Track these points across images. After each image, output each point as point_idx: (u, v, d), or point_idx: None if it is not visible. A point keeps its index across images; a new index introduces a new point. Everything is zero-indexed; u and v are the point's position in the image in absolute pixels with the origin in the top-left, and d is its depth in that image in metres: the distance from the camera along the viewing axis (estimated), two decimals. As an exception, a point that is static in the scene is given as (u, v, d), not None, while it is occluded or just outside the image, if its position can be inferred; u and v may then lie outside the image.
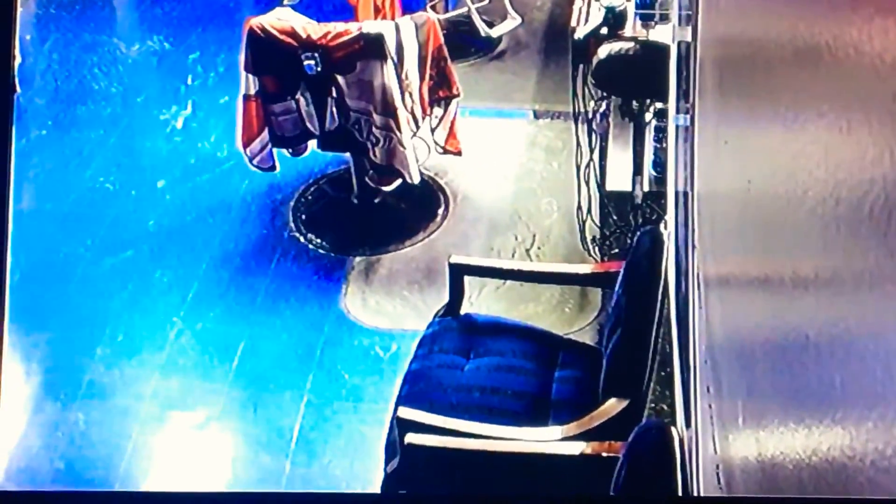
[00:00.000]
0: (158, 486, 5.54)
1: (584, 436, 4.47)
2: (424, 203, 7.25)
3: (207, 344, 6.23)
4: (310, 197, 7.41)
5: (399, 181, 6.87)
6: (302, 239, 7.02)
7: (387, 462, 4.67)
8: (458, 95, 6.96)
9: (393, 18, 7.76)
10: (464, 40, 8.93)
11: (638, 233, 5.09)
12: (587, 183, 6.54)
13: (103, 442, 5.66)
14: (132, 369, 6.07)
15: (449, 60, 6.92)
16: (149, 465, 5.64)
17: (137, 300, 6.52)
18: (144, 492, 4.99)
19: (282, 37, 6.50)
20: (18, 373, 5.95)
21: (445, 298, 5.36)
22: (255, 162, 6.83)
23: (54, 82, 8.91)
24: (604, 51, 5.98)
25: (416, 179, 6.72)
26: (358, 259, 6.85)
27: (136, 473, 5.55)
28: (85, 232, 7.08)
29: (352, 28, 6.56)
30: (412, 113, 6.67)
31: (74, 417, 5.76)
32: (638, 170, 6.47)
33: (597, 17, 6.27)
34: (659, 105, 6.29)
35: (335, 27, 6.54)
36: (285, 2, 8.58)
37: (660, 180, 6.48)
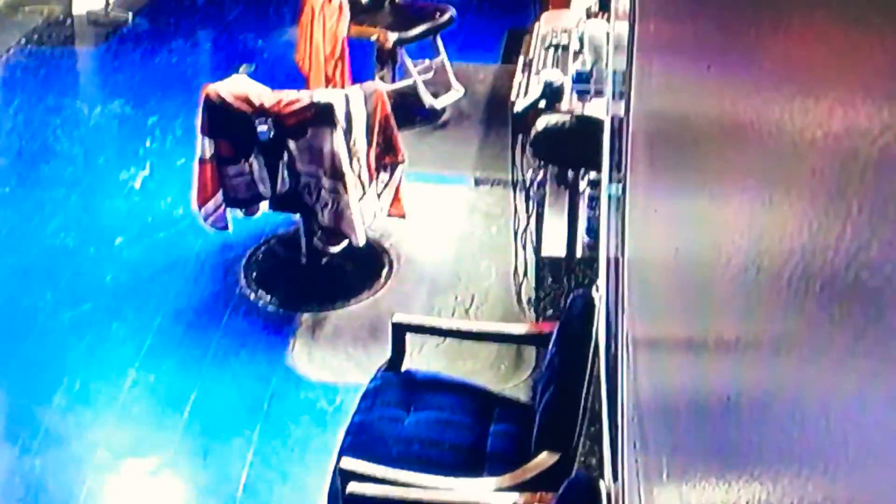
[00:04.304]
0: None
1: (517, 487, 4.46)
2: (369, 264, 7.25)
3: (160, 394, 6.19)
4: (260, 256, 7.40)
5: (346, 243, 6.88)
6: (252, 295, 7.00)
7: (329, 510, 4.65)
8: (403, 162, 6.97)
9: (343, 88, 7.78)
10: (410, 110, 8.96)
11: (571, 295, 5.10)
12: (524, 247, 6.56)
13: (59, 487, 5.61)
14: (88, 417, 6.03)
15: (395, 129, 6.93)
16: (101, 509, 5.60)
17: (94, 351, 6.49)
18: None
19: (236, 103, 6.50)
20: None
21: (388, 354, 5.35)
22: (209, 221, 6.81)
23: (19, 142, 8.88)
24: (541, 122, 6.01)
25: (362, 241, 6.72)
26: (305, 316, 6.84)
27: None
28: (45, 285, 7.05)
29: (303, 96, 6.57)
30: (359, 178, 6.67)
31: (31, 463, 5.71)
32: (572, 236, 6.49)
33: (535, 90, 6.31)
34: (593, 175, 6.31)
35: (287, 95, 6.55)
36: (241, 70, 8.59)
37: (592, 246, 6.50)
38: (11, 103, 9.50)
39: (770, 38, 1.32)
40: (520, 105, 6.32)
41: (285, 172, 6.65)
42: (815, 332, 1.08)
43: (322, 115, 6.45)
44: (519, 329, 5.84)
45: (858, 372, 0.94)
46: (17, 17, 11.27)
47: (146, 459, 5.82)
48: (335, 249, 7.06)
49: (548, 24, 7.38)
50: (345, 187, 6.53)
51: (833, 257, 0.98)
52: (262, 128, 6.50)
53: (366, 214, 6.78)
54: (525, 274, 6.62)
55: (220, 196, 6.74)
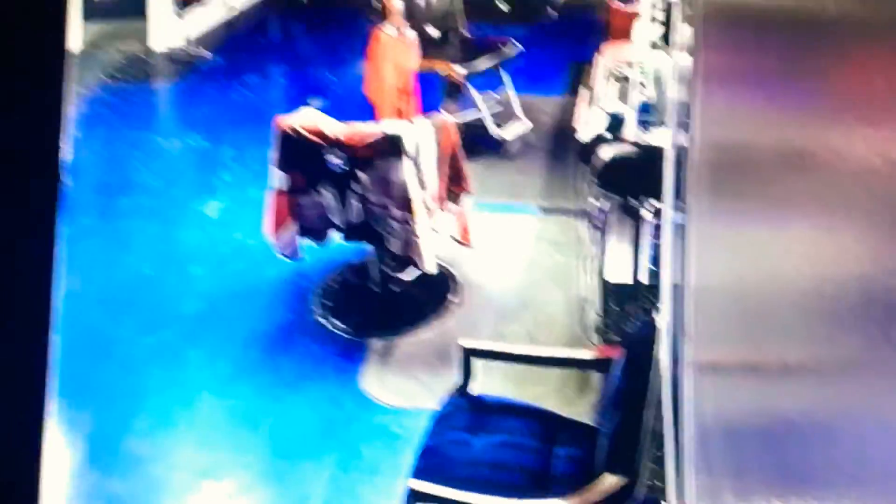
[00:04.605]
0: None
1: (581, 509, 4.44)
2: (438, 291, 7.25)
3: (237, 418, 6.21)
4: (333, 284, 7.41)
5: (415, 271, 6.88)
6: (325, 323, 7.02)
7: (400, 531, 4.65)
8: (470, 192, 6.98)
9: (412, 120, 7.80)
10: (477, 141, 8.97)
11: (636, 321, 5.09)
12: (589, 274, 6.54)
13: (138, 509, 5.64)
14: (167, 441, 6.06)
15: (463, 159, 6.94)
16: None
17: (173, 377, 6.52)
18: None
19: (309, 136, 6.53)
20: (62, 443, 5.93)
21: (457, 379, 5.34)
22: (282, 251, 6.84)
23: (100, 175, 8.95)
24: (606, 153, 6.00)
25: (432, 269, 6.73)
26: (376, 341, 6.85)
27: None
28: (125, 313, 7.09)
29: (374, 129, 6.60)
30: (428, 208, 6.68)
31: (113, 486, 5.74)
32: (636, 263, 6.47)
33: (600, 121, 6.30)
34: (656, 203, 6.29)
35: (359, 127, 6.58)
36: (313, 103, 8.63)
37: (656, 273, 6.47)
38: (93, 138, 9.58)
39: (831, 70, 1.32)
40: (584, 136, 6.31)
41: (357, 203, 6.66)
42: (877, 356, 1.07)
43: (392, 147, 6.47)
44: (584, 354, 5.82)
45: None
46: (98, 54, 11.38)
47: (224, 482, 5.84)
48: (405, 277, 7.06)
49: (610, 57, 7.38)
50: (414, 217, 6.54)
51: (894, 282, 0.98)
52: (333, 159, 6.52)
53: (434, 243, 6.79)
54: (590, 301, 6.60)
55: (293, 226, 6.77)
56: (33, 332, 1.41)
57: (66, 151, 1.49)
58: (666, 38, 6.83)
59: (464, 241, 7.05)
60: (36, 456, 1.38)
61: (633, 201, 6.36)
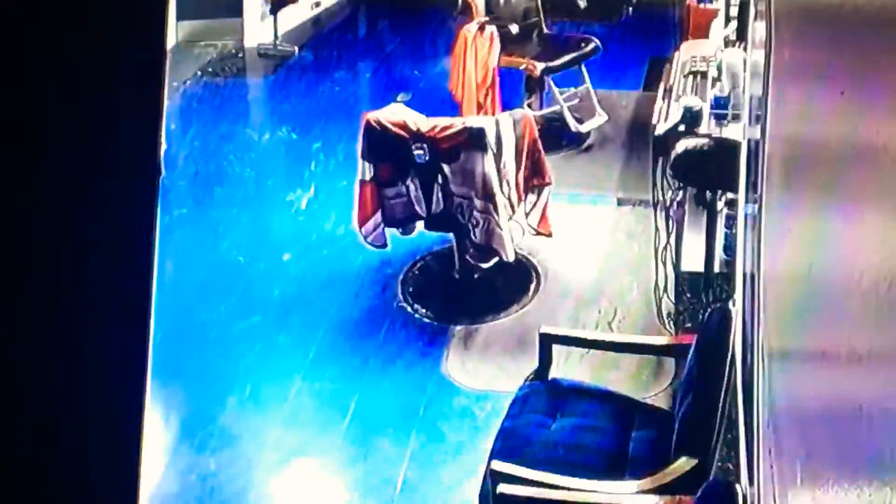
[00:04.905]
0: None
1: (657, 490, 4.43)
2: (518, 279, 7.25)
3: (324, 400, 6.24)
4: (417, 272, 7.43)
5: (496, 259, 6.88)
6: (409, 309, 7.04)
7: (482, 509, 4.65)
8: (550, 183, 6.97)
9: (493, 114, 7.81)
10: (556, 134, 8.96)
11: (709, 309, 5.06)
12: (664, 264, 6.52)
13: (231, 484, 5.68)
14: (258, 420, 6.10)
15: (542, 152, 6.94)
16: (269, 506, 5.66)
17: (263, 360, 6.56)
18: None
19: (395, 129, 6.55)
20: (159, 422, 5.99)
21: (536, 364, 5.34)
22: (368, 240, 6.87)
23: (195, 166, 9.02)
24: (681, 146, 5.97)
25: (512, 258, 6.73)
26: (458, 328, 6.86)
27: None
28: (219, 299, 7.15)
29: (457, 122, 6.61)
30: (509, 198, 6.68)
31: (207, 461, 5.79)
32: (710, 253, 6.44)
33: (676, 115, 6.27)
34: (730, 195, 6.27)
35: (442, 121, 6.59)
36: (399, 98, 8.65)
37: (729, 263, 6.44)
38: (188, 130, 9.65)
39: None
40: (660, 129, 6.28)
41: (440, 194, 6.68)
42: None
43: (474, 140, 6.47)
44: (659, 341, 5.80)
45: None
46: (193, 51, 11.47)
47: (311, 460, 5.87)
48: (486, 265, 7.06)
49: (687, 53, 7.34)
50: (495, 207, 6.55)
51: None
52: (418, 152, 6.54)
53: (515, 233, 6.79)
54: (665, 289, 6.57)
55: (379, 216, 6.79)
56: (133, 316, 1.43)
57: (162, 143, 1.50)
58: (741, 34, 6.79)
59: (543, 232, 7.04)
60: (136, 434, 1.40)
61: (707, 193, 6.33)
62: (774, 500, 2.84)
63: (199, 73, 11.02)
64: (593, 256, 7.64)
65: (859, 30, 1.66)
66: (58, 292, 1.48)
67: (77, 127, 1.44)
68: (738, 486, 4.03)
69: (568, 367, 6.06)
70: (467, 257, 7.09)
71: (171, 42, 10.46)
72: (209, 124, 9.82)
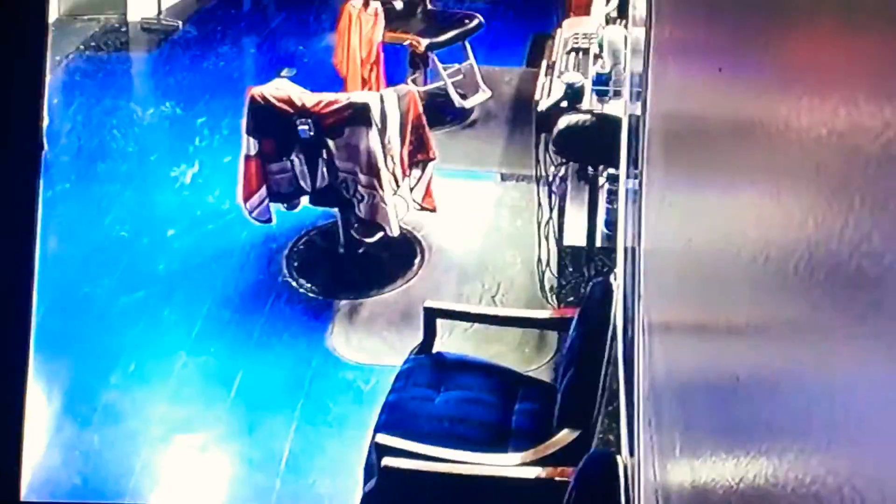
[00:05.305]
0: (164, 501, 5.52)
1: (539, 462, 4.46)
2: (403, 254, 7.26)
3: (209, 375, 6.21)
4: (301, 246, 7.41)
5: (381, 234, 6.88)
6: (294, 283, 7.02)
7: (365, 482, 4.65)
8: (434, 159, 6.98)
9: (378, 90, 7.79)
10: (440, 110, 8.96)
11: (591, 283, 5.10)
12: (547, 238, 6.55)
13: (116, 460, 5.63)
14: (142, 396, 6.05)
15: (427, 128, 6.94)
16: (155, 482, 5.61)
17: (148, 335, 6.51)
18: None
19: (279, 104, 6.51)
20: (42, 397, 5.92)
21: (420, 338, 5.35)
22: (253, 215, 6.83)
23: (78, 141, 8.91)
24: (563, 122, 6.00)
25: (396, 233, 6.73)
26: (343, 302, 6.85)
27: (143, 489, 5.52)
28: (102, 274, 7.07)
29: (341, 98, 6.58)
30: (393, 174, 6.68)
31: (90, 437, 5.73)
32: (592, 227, 6.48)
33: (558, 91, 6.30)
34: (611, 171, 6.30)
35: (327, 97, 6.56)
36: (283, 74, 8.60)
37: (611, 237, 6.49)
38: (71, 105, 9.53)
39: (778, 42, 1.32)
40: (543, 105, 6.31)
41: (324, 169, 6.66)
42: (820, 317, 1.07)
43: (359, 116, 6.46)
44: (542, 314, 5.85)
45: (860, 354, 0.94)
46: (75, 24, 11.30)
47: (196, 435, 5.84)
48: (371, 240, 7.06)
49: (569, 30, 7.37)
50: (380, 183, 6.54)
51: (837, 247, 0.98)
52: (302, 127, 6.51)
53: (399, 208, 6.79)
54: (548, 263, 6.61)
55: (263, 191, 6.76)
56: (14, 290, 1.41)
57: (44, 118, 1.48)
58: (622, 11, 6.83)
59: (427, 207, 7.05)
60: (18, 409, 1.38)
61: (588, 168, 6.37)
62: (654, 471, 2.87)
63: (81, 47, 10.87)
64: (477, 231, 7.66)
65: (735, 6, 1.67)
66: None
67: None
68: (618, 457, 4.07)
69: (452, 340, 6.08)
70: (352, 232, 7.08)
71: (52, 16, 10.29)
72: (92, 99, 9.70)
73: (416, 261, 7.23)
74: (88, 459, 5.62)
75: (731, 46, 1.70)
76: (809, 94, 1.12)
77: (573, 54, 6.94)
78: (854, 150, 0.93)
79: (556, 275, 6.73)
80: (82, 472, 5.56)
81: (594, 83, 6.36)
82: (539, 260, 6.60)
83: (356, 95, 6.74)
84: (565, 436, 4.50)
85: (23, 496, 1.40)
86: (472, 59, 9.27)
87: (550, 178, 6.43)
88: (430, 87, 9.23)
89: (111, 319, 6.64)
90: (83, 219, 7.70)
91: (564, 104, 6.19)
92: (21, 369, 1.40)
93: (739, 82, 1.61)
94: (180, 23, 11.38)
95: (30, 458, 5.57)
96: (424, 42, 9.02)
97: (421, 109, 6.87)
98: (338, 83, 8.48)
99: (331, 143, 6.56)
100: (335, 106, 6.47)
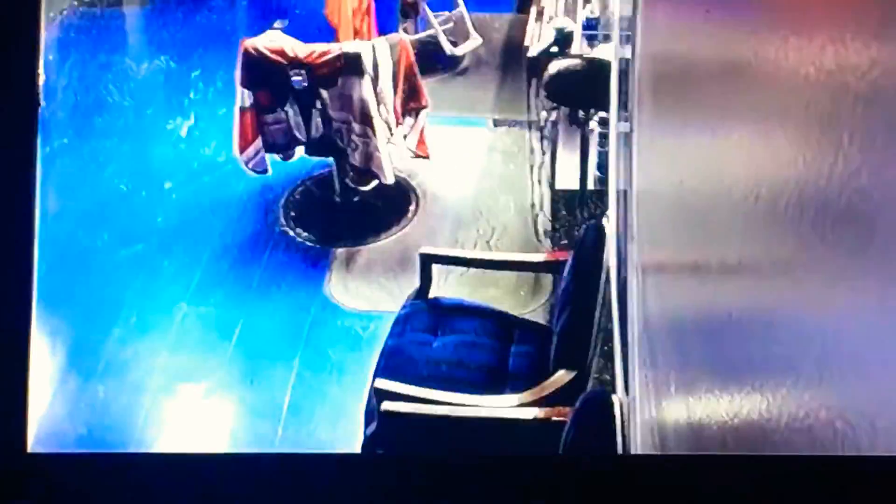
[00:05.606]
0: (168, 448, 5.53)
1: (536, 403, 4.48)
2: (398, 201, 7.25)
3: (209, 325, 6.22)
4: (298, 196, 7.39)
5: (375, 182, 6.87)
6: (291, 233, 7.01)
7: (366, 426, 4.67)
8: (426, 107, 6.96)
9: (370, 39, 7.76)
10: (432, 58, 8.92)
11: (584, 226, 5.10)
12: (539, 183, 6.55)
13: (120, 410, 5.65)
14: (144, 347, 6.06)
15: (419, 76, 6.92)
16: (159, 431, 5.63)
17: (148, 287, 6.51)
18: (155, 453, 4.98)
19: (272, 56, 6.49)
20: (45, 351, 5.93)
21: (416, 284, 5.36)
22: (249, 166, 6.82)
23: (74, 97, 8.87)
24: (554, 67, 5.98)
25: (391, 180, 6.72)
26: (340, 250, 6.85)
27: (148, 438, 5.54)
28: (102, 227, 7.06)
29: (334, 48, 6.56)
30: (387, 122, 6.66)
31: (94, 389, 5.74)
32: (584, 171, 6.48)
33: (548, 37, 6.28)
34: (602, 114, 6.29)
35: (319, 47, 6.54)
36: (276, 25, 8.56)
37: (603, 180, 6.48)
38: (66, 61, 9.48)
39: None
40: (534, 51, 6.29)
41: (318, 119, 6.64)
42: (811, 255, 1.07)
43: (351, 65, 6.44)
44: (536, 258, 5.85)
45: (851, 290, 0.94)
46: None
47: (198, 384, 5.85)
48: (366, 188, 7.05)
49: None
50: (373, 131, 6.53)
51: (827, 185, 0.98)
52: (296, 78, 6.49)
53: (393, 156, 6.78)
54: (541, 207, 6.61)
55: (259, 142, 6.74)
56: (14, 245, 1.40)
57: (40, 74, 1.47)
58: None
59: (421, 154, 7.04)
60: (22, 361, 1.38)
61: (580, 112, 6.35)
62: (649, 409, 2.88)
63: (75, 2, 10.81)
64: (470, 177, 7.65)
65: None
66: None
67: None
68: (614, 396, 4.08)
69: (448, 285, 6.09)
70: (347, 181, 7.07)
71: (45, -28, 10.22)
72: (87, 54, 9.65)
73: (411, 208, 7.22)
74: (94, 411, 5.63)
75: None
76: (796, 34, 1.11)
77: (562, -1, 6.92)
78: (842, 89, 0.92)
79: (550, 219, 6.73)
80: (88, 423, 5.57)
81: (584, 28, 6.34)
82: (532, 204, 6.60)
83: (348, 45, 6.72)
84: (561, 376, 4.51)
85: (29, 448, 1.40)
86: (462, 7, 9.23)
87: (542, 123, 6.43)
88: (421, 35, 9.18)
89: (111, 273, 6.63)
90: (81, 174, 7.68)
91: (555, 49, 6.17)
92: (24, 323, 1.40)
93: (727, 24, 1.61)
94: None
95: (35, 411, 5.59)
96: (414, -10, 8.97)
97: (413, 58, 6.85)
98: (330, 34, 8.44)
99: (324, 93, 6.54)
100: (328, 56, 6.45)
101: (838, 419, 0.95)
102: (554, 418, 4.33)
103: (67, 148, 7.97)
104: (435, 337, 5.04)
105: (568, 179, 6.66)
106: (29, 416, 1.38)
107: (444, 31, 9.08)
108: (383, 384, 4.56)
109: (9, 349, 1.40)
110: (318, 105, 6.60)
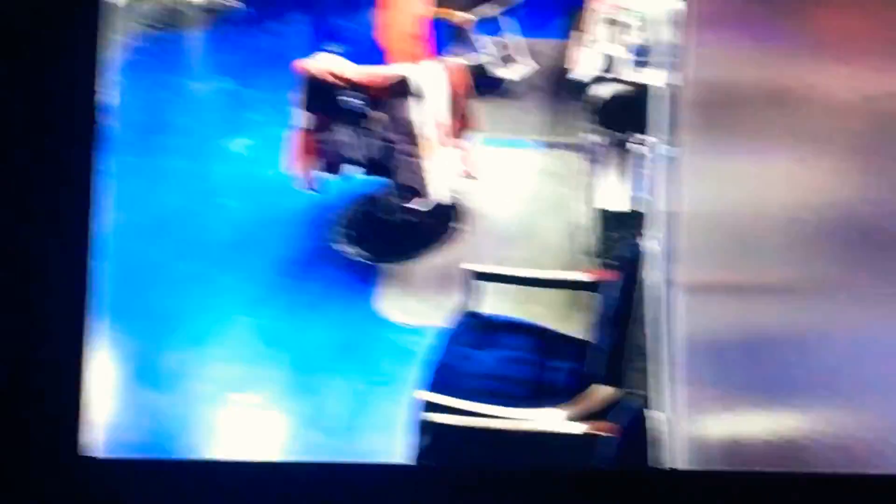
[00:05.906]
0: (220, 458, 5.55)
1: (576, 416, 4.47)
2: (447, 220, 7.25)
3: (264, 337, 6.24)
4: (351, 214, 7.41)
5: (425, 200, 6.88)
6: (343, 249, 7.03)
7: (415, 438, 4.67)
8: (476, 128, 6.97)
9: (423, 62, 7.77)
10: (482, 82, 8.93)
11: (630, 246, 5.09)
12: (585, 204, 6.54)
13: (178, 419, 5.67)
14: (201, 357, 6.08)
15: (469, 99, 6.93)
16: (213, 439, 5.65)
17: (206, 299, 6.54)
18: (208, 460, 5.00)
19: (327, 77, 6.52)
20: (107, 360, 5.95)
21: (463, 300, 5.36)
22: (304, 184, 6.85)
23: (141, 117, 8.93)
24: (602, 91, 5.98)
25: (440, 199, 6.73)
26: (390, 266, 6.86)
27: (201, 447, 5.56)
28: (164, 242, 7.10)
29: (387, 70, 6.59)
30: (437, 143, 6.67)
31: (155, 398, 5.77)
32: (629, 192, 6.46)
33: (594, 62, 6.27)
34: (649, 138, 6.28)
35: (372, 69, 6.57)
36: (331, 48, 8.59)
37: (648, 201, 6.46)
38: (135, 83, 9.55)
39: (812, 12, 1.31)
40: (582, 75, 6.29)
41: (371, 139, 6.66)
42: (851, 277, 1.07)
43: (403, 88, 6.46)
44: (580, 276, 5.83)
45: (889, 311, 0.93)
46: (139, 6, 11.33)
47: (251, 395, 5.87)
48: (416, 207, 7.06)
49: (606, 2, 7.33)
50: (424, 152, 6.54)
51: (870, 210, 0.97)
52: (350, 99, 6.52)
53: (443, 176, 6.79)
54: (586, 227, 6.60)
55: (314, 162, 6.78)
56: (80, 259, 1.41)
57: (107, 95, 1.48)
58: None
59: (470, 174, 7.05)
60: (80, 371, 1.38)
61: (626, 136, 6.34)
62: (689, 425, 2.86)
63: (145, 27, 10.89)
64: (518, 198, 7.64)
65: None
66: (7, 239, 1.46)
67: (18, 80, 1.42)
68: (657, 412, 4.07)
69: (494, 302, 6.08)
70: (398, 199, 7.08)
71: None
72: (154, 76, 9.72)
73: (459, 226, 7.22)
74: (153, 419, 5.66)
75: (766, 17, 1.69)
76: (840, 61, 1.10)
77: (610, 25, 6.91)
78: (884, 116, 0.92)
79: (595, 238, 6.71)
80: (145, 431, 5.59)
81: (632, 54, 6.33)
82: (578, 224, 6.58)
83: (401, 68, 6.74)
84: (607, 392, 4.50)
85: (89, 453, 1.41)
86: (512, 32, 9.24)
87: (589, 146, 6.42)
88: (472, 58, 9.20)
89: (172, 286, 6.66)
90: (144, 190, 7.72)
91: (602, 74, 6.16)
92: (85, 335, 1.41)
93: (773, 52, 1.60)
94: (237, 2, 11.39)
95: (98, 419, 5.62)
96: (468, 16, 8.99)
97: (464, 81, 6.87)
98: (382, 58, 8.47)
99: (377, 114, 6.56)
100: (380, 78, 6.48)
101: (876, 438, 0.94)
102: (593, 432, 4.32)
103: (133, 166, 8.02)
104: (480, 352, 5.04)
105: (613, 201, 6.64)
106: (87, 423, 1.39)
107: (496, 56, 9.09)
108: (430, 397, 4.56)
109: (66, 357, 1.41)
110: (371, 126, 6.62)
